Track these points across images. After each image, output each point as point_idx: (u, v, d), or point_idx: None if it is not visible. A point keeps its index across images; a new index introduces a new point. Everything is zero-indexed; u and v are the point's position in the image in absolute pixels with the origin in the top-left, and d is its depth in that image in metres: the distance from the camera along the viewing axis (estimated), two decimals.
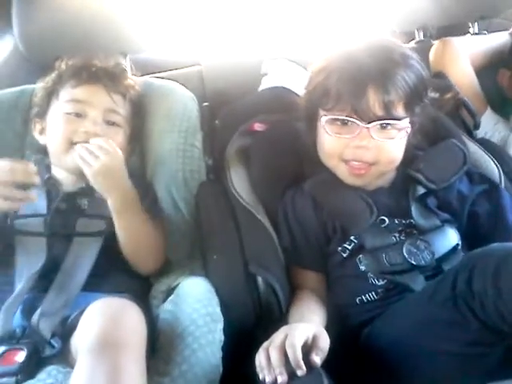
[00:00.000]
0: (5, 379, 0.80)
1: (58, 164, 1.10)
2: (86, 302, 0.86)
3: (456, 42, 1.40)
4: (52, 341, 0.87)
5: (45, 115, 1.12)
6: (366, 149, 0.94)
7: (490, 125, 1.27)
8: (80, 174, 1.04)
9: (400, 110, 0.94)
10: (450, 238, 0.97)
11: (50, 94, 1.12)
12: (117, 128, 1.11)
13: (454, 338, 0.79)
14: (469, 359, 0.79)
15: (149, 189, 1.13)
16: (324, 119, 0.97)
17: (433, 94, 1.07)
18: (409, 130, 0.98)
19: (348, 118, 0.94)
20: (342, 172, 0.99)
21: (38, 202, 1.01)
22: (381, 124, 0.94)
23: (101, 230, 1.02)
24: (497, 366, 0.79)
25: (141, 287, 1.03)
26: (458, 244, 0.97)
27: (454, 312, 0.79)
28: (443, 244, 0.95)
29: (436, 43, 1.47)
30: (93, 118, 1.07)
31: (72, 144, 1.05)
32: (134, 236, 1.02)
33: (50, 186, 1.07)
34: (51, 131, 1.10)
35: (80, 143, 1.03)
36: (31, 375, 0.81)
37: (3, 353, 0.83)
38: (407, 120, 0.96)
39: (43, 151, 1.12)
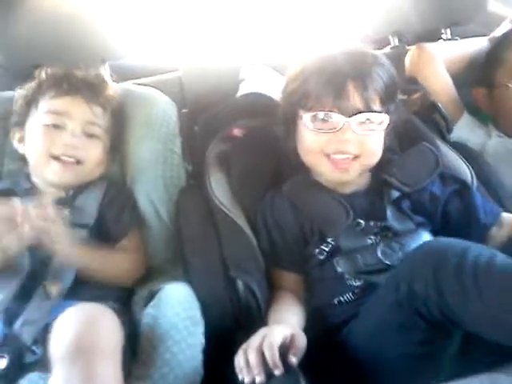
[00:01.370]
0: None
1: (38, 174, 1.10)
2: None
3: (431, 47, 1.43)
4: (34, 348, 0.87)
5: (24, 124, 1.12)
6: (348, 142, 0.97)
7: (466, 129, 1.30)
8: (59, 185, 1.05)
9: (378, 105, 0.98)
10: (424, 240, 0.99)
11: (30, 103, 1.12)
12: (96, 140, 1.11)
13: (406, 339, 0.81)
14: (425, 357, 0.81)
15: (129, 197, 1.14)
16: (306, 116, 0.99)
17: (401, 96, 1.10)
18: (386, 124, 1.01)
19: (330, 112, 0.97)
20: (326, 168, 1.01)
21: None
22: (361, 118, 0.97)
23: (82, 239, 1.03)
24: (454, 360, 0.82)
25: (122, 294, 1.04)
26: None
27: (400, 315, 0.81)
28: (415, 246, 0.97)
29: (411, 49, 1.50)
30: (72, 130, 1.08)
31: (51, 156, 1.06)
32: (99, 272, 1.02)
33: (31, 196, 1.07)
34: (30, 142, 1.10)
35: (59, 155, 1.04)
36: (13, 382, 0.82)
37: None
38: (385, 115, 1.00)
39: (23, 159, 1.13)
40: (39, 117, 1.10)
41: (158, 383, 0.84)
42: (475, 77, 1.35)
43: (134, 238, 1.11)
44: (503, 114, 1.29)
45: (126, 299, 1.04)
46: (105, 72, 1.33)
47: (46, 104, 1.10)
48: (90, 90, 1.12)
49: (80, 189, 1.10)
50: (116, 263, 1.05)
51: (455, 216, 1.05)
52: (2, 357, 0.85)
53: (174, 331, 0.89)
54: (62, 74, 1.13)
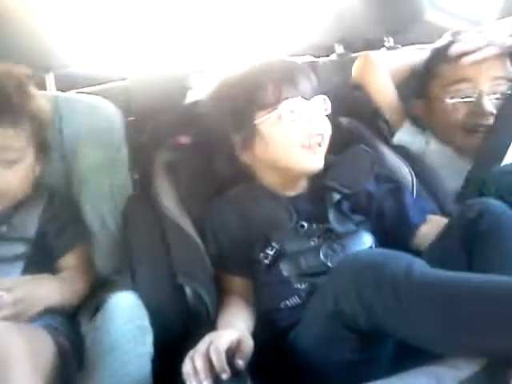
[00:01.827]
0: None
1: None
2: None
3: (377, 56, 1.47)
4: None
5: None
6: (317, 123, 1.03)
7: (407, 136, 1.35)
8: None
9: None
10: (364, 240, 1.03)
11: None
12: (14, 166, 1.02)
13: (340, 347, 0.83)
14: (362, 364, 0.84)
15: (73, 210, 1.12)
16: (269, 116, 1.02)
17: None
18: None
19: (296, 99, 1.01)
20: (302, 157, 1.03)
21: None
22: (318, 99, 1.04)
23: (22, 254, 1.01)
24: (390, 365, 0.84)
25: (67, 307, 1.02)
26: (371, 246, 1.03)
27: (331, 326, 0.83)
28: (358, 246, 1.01)
29: (356, 56, 1.55)
30: None
31: None
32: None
33: None
34: None
35: None
36: None
37: None
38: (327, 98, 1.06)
39: None
40: None
41: None
42: (414, 87, 1.39)
43: (80, 253, 1.09)
44: (439, 126, 1.33)
45: (71, 312, 1.02)
46: (49, 81, 1.32)
47: None
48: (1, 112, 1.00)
49: (15, 205, 1.06)
50: (69, 289, 1.02)
51: (388, 215, 1.09)
52: None
53: (123, 341, 0.88)
54: None
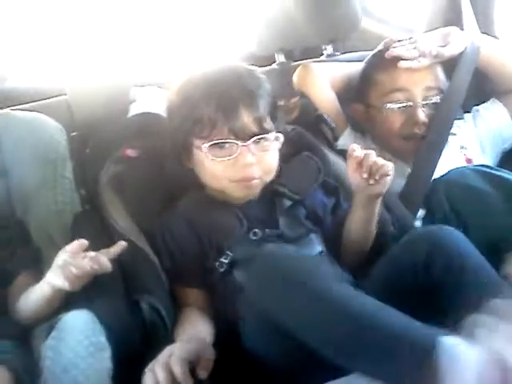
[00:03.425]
0: None
1: None
2: None
3: (316, 67, 1.51)
4: None
5: None
6: (250, 165, 1.00)
7: (350, 141, 1.39)
8: None
9: (268, 122, 1.03)
10: (315, 245, 1.05)
11: None
12: None
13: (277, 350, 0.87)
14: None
15: (24, 232, 1.09)
16: (204, 146, 1.01)
17: (280, 103, 1.16)
18: (281, 140, 1.05)
19: (228, 141, 0.99)
20: (233, 190, 1.04)
21: None
22: (257, 140, 1.01)
23: None
24: None
25: (18, 330, 0.99)
26: (321, 251, 1.06)
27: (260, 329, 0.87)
28: (308, 251, 1.04)
29: (296, 65, 1.58)
30: None
31: None
32: None
33: None
34: None
35: None
36: None
37: None
38: (277, 133, 1.05)
39: None
40: None
41: None
42: (353, 94, 1.44)
43: (32, 275, 1.05)
44: (377, 131, 1.38)
45: (23, 335, 0.99)
46: None
47: None
48: None
49: None
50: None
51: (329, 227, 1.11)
52: None
53: (78, 360, 0.86)
54: None
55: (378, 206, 1.05)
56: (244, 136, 1.00)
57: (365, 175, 0.97)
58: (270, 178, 1.06)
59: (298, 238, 1.05)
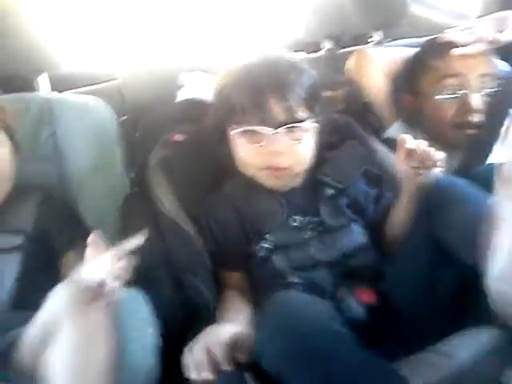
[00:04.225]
0: None
1: None
2: (14, 322, 0.88)
3: (371, 53, 1.49)
4: None
5: None
6: (278, 154, 1.01)
7: (399, 131, 1.35)
8: None
9: (302, 113, 1.02)
10: (357, 235, 1.05)
11: None
12: None
13: None
14: None
15: (71, 212, 1.13)
16: (234, 132, 1.03)
17: (327, 93, 1.16)
18: (313, 130, 1.05)
19: (256, 128, 1.01)
20: (262, 178, 1.06)
21: None
22: (287, 128, 1.01)
23: (18, 246, 1.02)
24: None
25: None
26: (364, 242, 1.06)
27: None
28: (348, 241, 1.04)
29: (345, 52, 1.57)
30: None
31: None
32: None
33: None
34: None
35: None
36: None
37: None
38: (310, 121, 1.04)
39: None
40: None
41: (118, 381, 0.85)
42: (404, 82, 1.41)
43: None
44: (427, 121, 1.34)
45: None
46: (42, 82, 1.32)
47: None
48: None
49: (7, 201, 1.06)
50: None
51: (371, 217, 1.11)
52: None
53: (126, 333, 0.89)
54: None
55: None
56: (273, 124, 1.00)
57: (415, 164, 0.96)
58: (303, 167, 1.06)
59: (339, 227, 1.05)
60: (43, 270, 1.00)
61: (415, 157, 0.96)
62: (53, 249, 1.07)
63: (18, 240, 1.02)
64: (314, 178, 1.09)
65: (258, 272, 1.06)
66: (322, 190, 1.09)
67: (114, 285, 0.84)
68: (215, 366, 0.80)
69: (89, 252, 0.89)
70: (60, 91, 1.33)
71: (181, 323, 0.99)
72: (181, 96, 1.39)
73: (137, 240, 0.89)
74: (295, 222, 1.06)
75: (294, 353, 0.77)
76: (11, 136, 1.09)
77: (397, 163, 1.01)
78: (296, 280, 1.00)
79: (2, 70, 1.22)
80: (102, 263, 0.87)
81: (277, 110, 1.00)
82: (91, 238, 0.89)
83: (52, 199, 1.11)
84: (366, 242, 1.06)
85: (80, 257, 1.07)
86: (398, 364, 0.82)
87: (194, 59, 1.52)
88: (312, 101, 1.05)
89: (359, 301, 0.96)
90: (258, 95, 1.00)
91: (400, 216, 1.05)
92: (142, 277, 1.01)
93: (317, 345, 0.77)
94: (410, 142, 0.97)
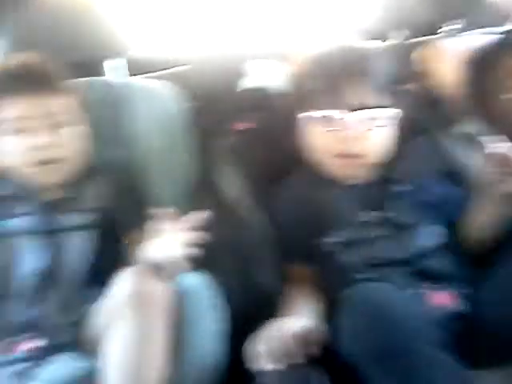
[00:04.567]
0: (27, 364, 0.85)
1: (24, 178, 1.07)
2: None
3: (443, 43, 1.44)
4: (68, 328, 0.91)
5: None
6: (351, 139, 0.99)
7: (474, 128, 1.31)
8: (52, 186, 1.05)
9: (376, 100, 1.01)
10: (429, 235, 1.02)
11: None
12: (66, 128, 1.05)
13: None
14: None
15: (141, 192, 1.15)
16: (307, 117, 1.02)
17: (399, 87, 1.13)
18: (388, 119, 1.03)
19: (332, 114, 0.99)
20: (333, 166, 1.04)
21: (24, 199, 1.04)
22: (361, 114, 0.99)
23: (87, 224, 1.04)
24: None
25: None
26: (438, 241, 1.02)
27: None
28: (421, 241, 1.01)
29: (415, 43, 1.52)
30: (38, 131, 1.02)
31: (29, 164, 1.02)
32: None
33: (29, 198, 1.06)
34: (3, 151, 1.05)
35: (37, 162, 1.02)
36: (51, 360, 0.86)
37: (23, 341, 0.89)
38: (386, 110, 1.02)
39: None
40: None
41: (183, 365, 0.87)
42: (471, 78, 1.35)
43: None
44: (493, 120, 1.25)
45: None
46: (120, 65, 1.34)
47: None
48: (40, 81, 1.04)
49: (77, 179, 1.09)
50: None
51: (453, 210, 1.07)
52: (39, 337, 0.89)
53: (196, 315, 0.92)
54: (5, 72, 1.06)
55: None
56: (347, 110, 0.99)
57: (502, 169, 0.93)
58: (375, 158, 1.04)
59: (411, 225, 1.03)
60: (112, 248, 1.03)
61: (503, 162, 0.93)
62: (121, 227, 1.09)
63: (89, 218, 1.05)
64: (385, 174, 1.07)
65: (324, 267, 1.05)
66: (393, 186, 1.06)
67: (180, 258, 0.87)
68: (288, 358, 0.80)
69: (157, 228, 0.92)
70: (130, 75, 1.34)
71: (244, 312, 1.00)
72: (249, 83, 1.38)
73: (203, 214, 0.92)
74: (365, 217, 1.04)
75: (378, 344, 0.77)
76: (86, 117, 1.11)
77: (481, 165, 0.97)
78: (364, 278, 0.98)
79: (71, 55, 1.24)
80: (170, 238, 0.89)
81: (351, 94, 0.99)
82: (160, 214, 0.92)
83: (122, 180, 1.14)
84: (439, 243, 1.03)
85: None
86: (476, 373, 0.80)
87: (260, 47, 1.52)
88: (387, 90, 1.03)
89: (432, 303, 0.93)
90: (333, 79, 0.99)
91: (483, 219, 1.02)
92: (209, 263, 1.03)
93: (402, 339, 0.76)
94: (498, 146, 0.94)
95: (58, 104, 1.05)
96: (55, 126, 1.03)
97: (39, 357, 0.88)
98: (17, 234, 1.03)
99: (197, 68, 1.41)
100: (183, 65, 1.46)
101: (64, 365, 0.86)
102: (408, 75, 1.39)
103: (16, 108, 1.02)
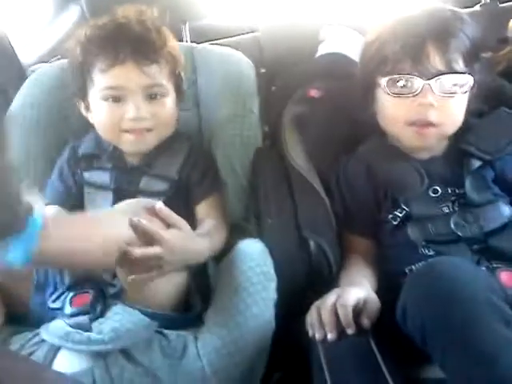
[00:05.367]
0: (79, 318, 0.87)
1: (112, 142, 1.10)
2: None
3: None
4: (113, 281, 0.93)
5: (85, 95, 1.08)
6: (430, 106, 0.93)
7: None
8: (137, 152, 1.08)
9: (460, 66, 0.94)
10: (502, 213, 0.95)
11: (82, 75, 1.06)
12: (161, 100, 1.05)
13: None
14: None
15: (212, 161, 1.15)
16: (384, 80, 0.97)
17: (485, 54, 1.05)
18: (469, 86, 0.96)
19: (408, 75, 0.94)
20: (408, 136, 0.98)
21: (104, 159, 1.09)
22: (442, 80, 0.93)
23: (163, 191, 1.06)
24: None
25: None
26: (510, 220, 0.94)
27: None
28: (493, 219, 0.94)
29: (505, 7, 1.41)
30: (134, 102, 1.02)
31: (121, 131, 1.04)
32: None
33: (115, 159, 1.10)
34: (96, 117, 1.07)
35: (128, 129, 1.04)
36: (100, 313, 0.88)
37: (73, 297, 0.91)
38: (468, 76, 0.95)
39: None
40: (97, 92, 1.04)
41: (233, 331, 0.87)
42: None
43: (217, 201, 1.12)
44: None
45: None
46: (185, 32, 1.35)
47: (98, 79, 1.04)
48: (139, 50, 1.02)
49: (161, 147, 1.10)
50: (217, 241, 1.05)
51: None
52: (87, 292, 0.91)
53: (248, 284, 0.92)
54: (104, 36, 1.04)
55: None
56: (428, 73, 0.92)
57: None
58: (451, 128, 0.98)
59: (484, 202, 0.96)
60: (181, 215, 1.02)
61: None
62: (191, 196, 1.10)
63: (163, 185, 1.07)
64: (458, 148, 1.00)
65: (388, 240, 1.01)
66: (466, 160, 0.99)
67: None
68: (340, 329, 0.78)
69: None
70: (201, 42, 1.35)
71: (301, 280, 0.99)
72: (321, 50, 1.34)
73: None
74: (435, 192, 0.98)
75: (445, 314, 0.72)
76: (177, 85, 1.12)
77: None
78: (430, 253, 0.94)
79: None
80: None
81: (434, 58, 0.93)
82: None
83: (196, 147, 1.15)
84: (510, 221, 0.95)
85: (215, 207, 1.11)
86: None
87: (336, 13, 1.47)
88: (472, 55, 0.95)
89: (502, 284, 0.86)
90: (414, 41, 0.93)
91: None
92: (267, 229, 1.02)
93: (470, 311, 0.72)
94: None
95: (159, 74, 1.04)
96: (151, 97, 1.04)
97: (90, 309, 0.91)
98: (98, 187, 1.07)
99: (268, 35, 1.39)
100: (253, 32, 1.45)
101: (121, 317, 0.88)
102: (500, 42, 1.29)
103: (116, 77, 1.02)
